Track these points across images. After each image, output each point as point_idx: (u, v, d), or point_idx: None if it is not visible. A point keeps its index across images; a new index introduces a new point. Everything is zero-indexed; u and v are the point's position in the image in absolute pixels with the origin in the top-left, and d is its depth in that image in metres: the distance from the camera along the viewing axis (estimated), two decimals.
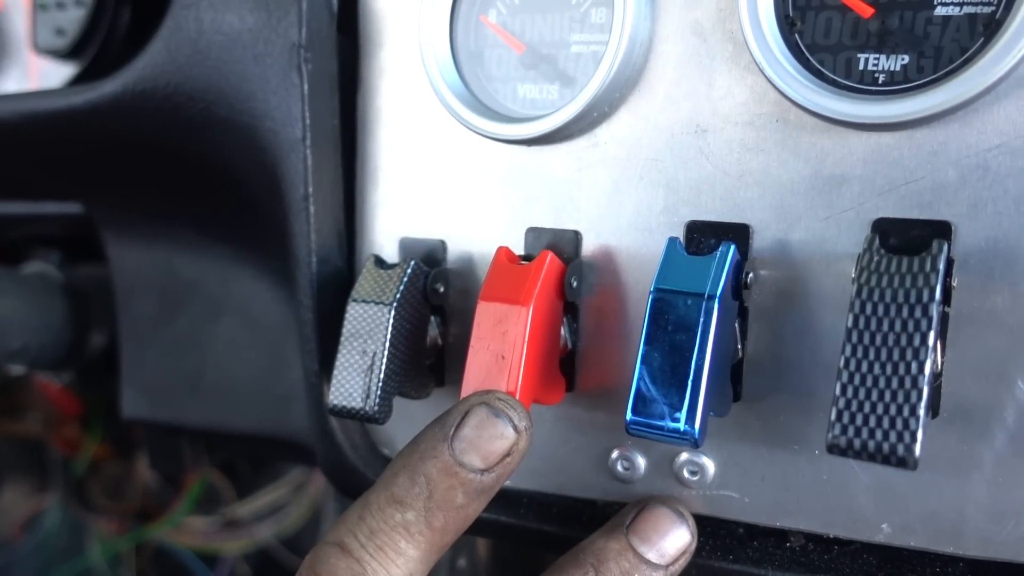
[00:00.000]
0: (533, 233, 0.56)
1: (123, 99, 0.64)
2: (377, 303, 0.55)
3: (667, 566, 0.51)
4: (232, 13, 0.59)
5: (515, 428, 0.48)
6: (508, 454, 0.47)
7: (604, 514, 0.57)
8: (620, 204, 0.53)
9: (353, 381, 0.55)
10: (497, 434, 0.47)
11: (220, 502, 1.37)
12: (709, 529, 0.54)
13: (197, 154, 0.67)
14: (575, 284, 0.54)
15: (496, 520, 0.59)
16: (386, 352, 0.54)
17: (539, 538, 0.58)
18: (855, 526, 0.50)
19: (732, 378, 0.50)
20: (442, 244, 0.59)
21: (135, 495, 1.42)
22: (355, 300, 0.56)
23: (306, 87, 0.58)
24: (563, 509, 0.58)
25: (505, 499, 0.60)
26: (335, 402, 0.55)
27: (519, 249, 0.56)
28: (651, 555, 0.50)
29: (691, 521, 0.52)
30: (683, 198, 0.51)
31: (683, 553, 0.51)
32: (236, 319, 0.80)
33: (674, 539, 0.51)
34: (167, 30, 0.62)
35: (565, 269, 0.53)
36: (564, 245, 0.54)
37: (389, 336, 0.54)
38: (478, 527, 0.59)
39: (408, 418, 0.62)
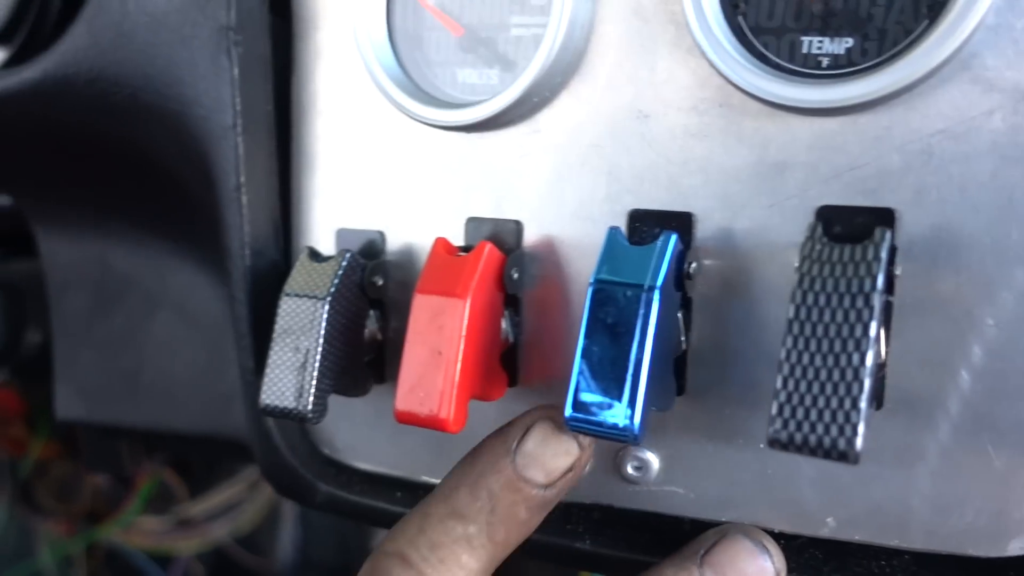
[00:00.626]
0: (473, 223, 0.54)
1: (44, 85, 0.61)
2: (310, 297, 0.53)
3: None
4: None
5: (579, 444, 0.47)
6: (570, 469, 0.47)
7: (550, 512, 0.55)
8: (562, 192, 0.52)
9: (285, 379, 0.52)
10: (561, 450, 0.47)
11: (173, 501, 1.33)
12: (654, 525, 0.52)
13: (125, 143, 0.64)
14: (516, 276, 0.52)
15: None
16: (320, 348, 0.52)
17: None
18: (800, 520, 0.49)
19: (676, 371, 0.49)
20: (381, 235, 0.57)
21: (85, 496, 1.38)
22: (287, 294, 0.54)
23: (236, 71, 0.55)
24: None
25: None
26: (267, 401, 0.53)
27: (460, 240, 0.54)
28: None
29: (777, 555, 0.47)
30: (626, 186, 0.50)
31: None
32: (174, 315, 0.77)
33: (754, 573, 0.46)
34: (89, 12, 0.58)
35: (505, 260, 0.51)
36: (504, 235, 0.53)
37: (323, 332, 0.52)
38: None
39: (347, 416, 0.60)
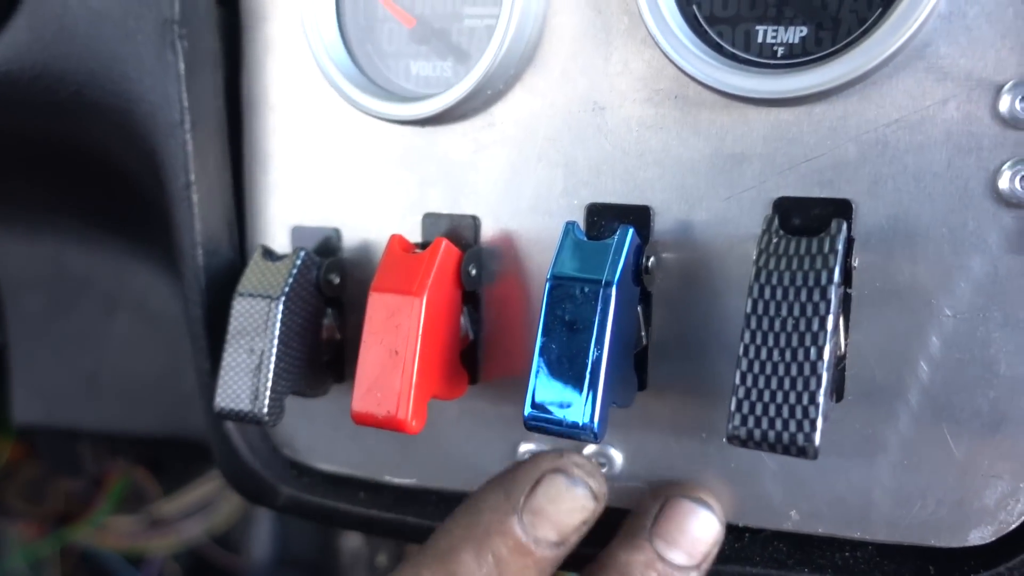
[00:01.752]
0: (430, 219, 0.53)
1: None
2: (264, 297, 0.52)
3: (699, 564, 0.45)
4: None
5: (594, 496, 0.44)
6: (584, 523, 0.44)
7: None
8: (519, 187, 0.51)
9: (240, 382, 0.51)
10: (577, 506, 0.43)
11: (145, 500, 1.31)
12: (617, 521, 0.52)
13: (73, 141, 0.62)
14: (474, 272, 0.51)
15: (403, 521, 0.56)
16: (275, 349, 0.51)
17: None
18: (764, 514, 0.49)
19: (636, 366, 0.48)
20: (337, 232, 0.56)
21: (56, 497, 1.35)
22: (241, 294, 0.52)
23: (182, 66, 0.54)
24: None
25: (411, 498, 0.57)
26: (222, 404, 0.51)
27: (418, 236, 0.53)
28: (681, 558, 0.45)
29: (716, 506, 0.47)
30: (583, 179, 0.49)
31: (714, 544, 0.46)
32: (133, 315, 0.75)
33: (702, 533, 0.46)
34: (29, 6, 0.56)
35: (462, 256, 0.50)
36: (462, 231, 0.52)
37: (278, 332, 0.51)
38: (384, 528, 0.57)
39: (307, 416, 0.59)
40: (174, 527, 1.32)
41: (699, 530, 0.46)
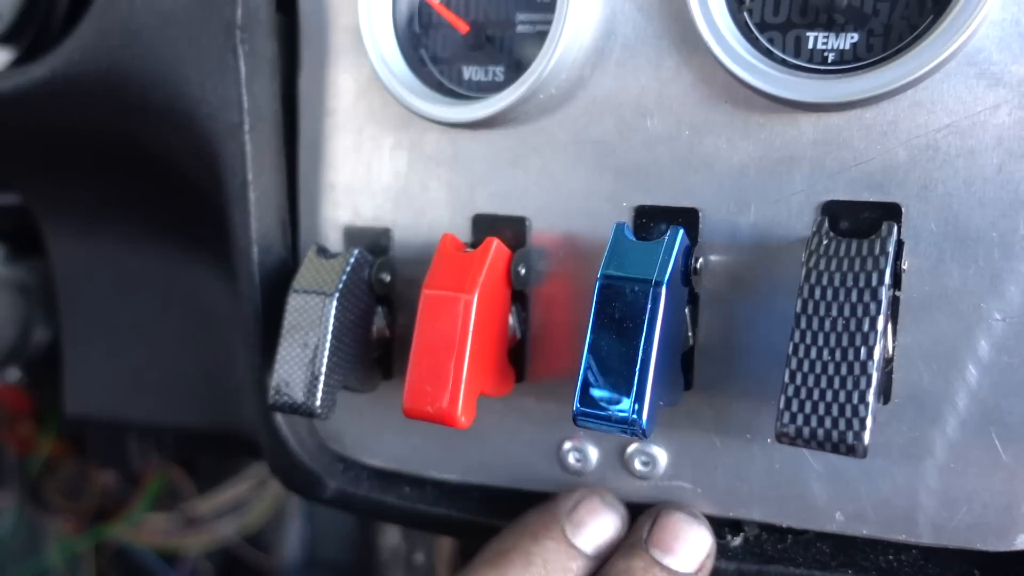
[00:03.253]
0: (480, 220, 0.54)
1: (53, 84, 0.61)
2: (318, 293, 0.53)
3: (696, 572, 0.49)
4: None
5: (621, 519, 0.51)
6: (612, 544, 0.50)
7: None
8: (568, 189, 0.52)
9: (294, 375, 0.53)
10: (609, 522, 0.51)
11: (180, 499, 1.34)
12: None
13: (134, 141, 0.64)
14: (523, 272, 0.52)
15: (447, 515, 0.57)
16: (328, 344, 0.52)
17: (490, 534, 0.56)
18: (808, 515, 0.49)
19: (683, 366, 0.49)
20: (388, 232, 0.57)
21: (93, 494, 1.38)
22: (296, 291, 0.54)
23: (243, 69, 0.56)
24: (515, 503, 0.56)
25: (456, 493, 0.58)
26: (276, 397, 0.53)
27: (467, 236, 0.55)
28: (678, 564, 0.48)
29: (706, 522, 0.51)
30: (632, 182, 0.50)
31: (708, 556, 0.50)
32: (184, 311, 0.77)
33: (696, 543, 0.49)
34: (97, 10, 0.59)
35: (512, 256, 0.52)
36: (511, 232, 0.53)
37: (331, 328, 0.52)
38: (427, 523, 0.58)
39: (356, 412, 0.60)
40: (207, 526, 1.34)
41: (693, 539, 0.49)
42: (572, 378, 0.46)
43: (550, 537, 0.48)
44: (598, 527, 0.50)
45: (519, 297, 0.53)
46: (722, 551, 0.51)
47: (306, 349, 0.53)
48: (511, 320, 0.53)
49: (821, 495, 0.48)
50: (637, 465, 0.52)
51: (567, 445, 0.54)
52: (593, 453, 0.54)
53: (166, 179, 0.67)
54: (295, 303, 0.54)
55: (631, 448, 0.52)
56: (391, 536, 0.96)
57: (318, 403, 0.52)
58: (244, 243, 0.58)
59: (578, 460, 0.54)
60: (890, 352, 0.45)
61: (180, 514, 1.36)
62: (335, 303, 0.53)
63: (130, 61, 0.59)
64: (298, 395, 0.52)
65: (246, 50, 0.56)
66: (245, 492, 1.36)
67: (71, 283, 0.80)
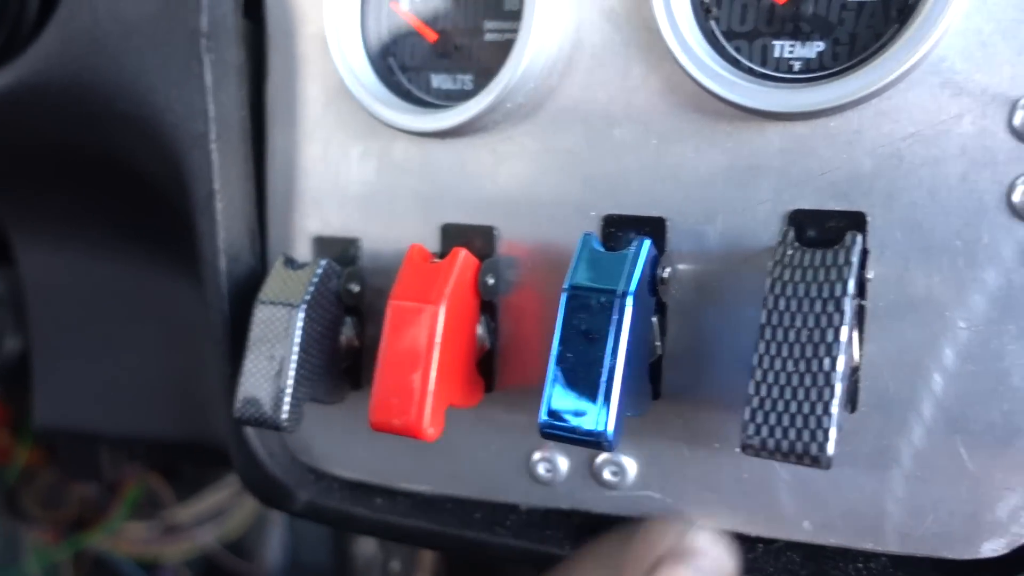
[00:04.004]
0: (448, 229, 0.54)
1: (17, 92, 0.60)
2: (285, 305, 0.53)
3: None
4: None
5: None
6: None
7: (527, 519, 0.55)
8: (537, 198, 0.51)
9: (260, 388, 0.52)
10: None
11: (160, 507, 1.32)
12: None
13: (100, 150, 0.63)
14: (491, 282, 0.52)
15: (417, 527, 0.57)
16: (295, 357, 0.52)
17: (462, 545, 0.56)
18: (777, 524, 0.49)
19: (651, 376, 0.49)
20: (357, 242, 0.57)
21: (72, 503, 1.37)
22: (262, 302, 0.53)
23: (209, 78, 0.55)
24: (485, 515, 0.56)
25: (427, 505, 0.58)
26: (241, 410, 0.52)
27: (436, 246, 0.54)
28: None
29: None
30: (600, 191, 0.50)
31: None
32: (155, 321, 0.77)
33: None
34: (60, 18, 0.58)
35: (480, 266, 0.51)
36: (479, 241, 0.52)
37: (298, 340, 0.52)
38: (400, 535, 0.57)
39: (325, 423, 0.59)
40: (188, 534, 1.33)
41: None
42: (541, 388, 0.46)
43: None
44: None
45: (488, 307, 0.53)
46: None
47: (272, 362, 0.52)
48: (480, 330, 0.53)
49: (789, 504, 0.48)
50: (607, 475, 0.52)
51: (536, 455, 0.54)
52: (563, 463, 0.53)
53: (134, 188, 0.66)
54: (261, 315, 0.53)
55: (600, 459, 0.52)
56: (367, 545, 0.95)
57: (284, 417, 0.51)
58: (211, 253, 0.57)
59: (548, 471, 0.53)
60: (856, 361, 0.45)
61: (159, 522, 1.34)
62: (302, 315, 0.52)
63: (95, 69, 0.58)
64: (264, 408, 0.52)
65: (212, 58, 0.55)
66: (225, 499, 1.35)
67: (41, 293, 0.79)
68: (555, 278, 0.51)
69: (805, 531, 0.48)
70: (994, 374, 0.43)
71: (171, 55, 0.55)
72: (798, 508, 0.48)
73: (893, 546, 0.47)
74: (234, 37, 0.56)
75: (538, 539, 0.54)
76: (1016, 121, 0.42)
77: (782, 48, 0.46)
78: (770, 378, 0.41)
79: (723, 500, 0.50)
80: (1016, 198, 0.42)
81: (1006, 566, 0.45)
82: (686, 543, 0.38)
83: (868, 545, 0.47)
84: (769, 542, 0.50)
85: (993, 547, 0.45)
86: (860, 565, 0.49)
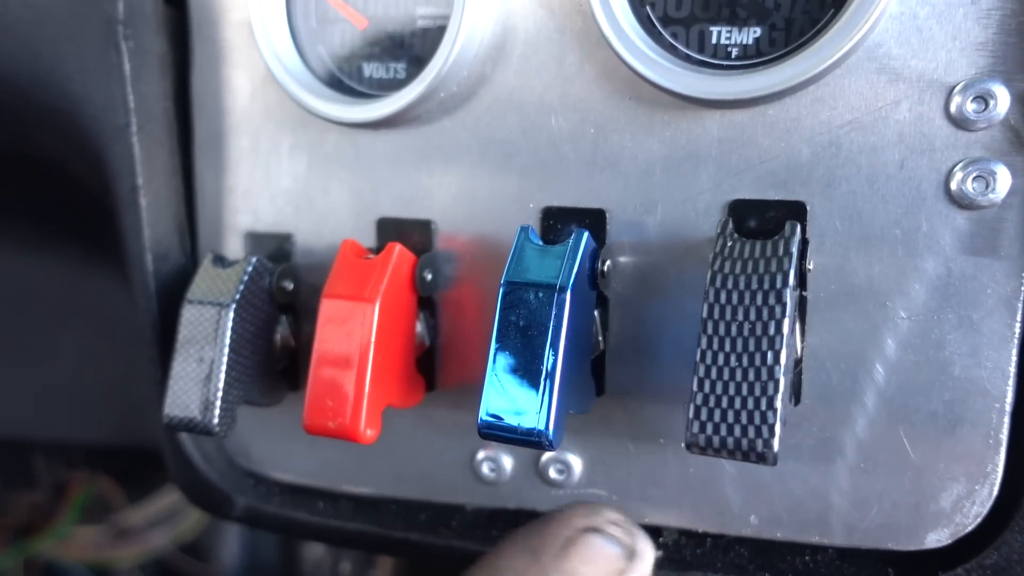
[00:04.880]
0: (384, 224, 0.52)
1: None
2: (214, 304, 0.50)
3: None
4: None
5: (629, 556, 0.39)
6: None
7: (473, 520, 0.54)
8: (474, 190, 0.50)
9: (189, 392, 0.50)
10: (612, 569, 0.38)
11: (110, 510, 1.29)
12: None
13: (17, 146, 0.60)
14: (429, 277, 0.50)
15: (361, 530, 0.55)
16: (225, 358, 0.50)
17: (406, 548, 0.54)
18: (724, 520, 0.48)
19: (594, 371, 0.48)
20: (290, 238, 0.54)
21: (19, 509, 1.32)
22: (190, 302, 0.51)
23: (127, 67, 0.52)
24: (430, 516, 0.54)
25: (370, 507, 0.56)
26: (171, 414, 0.50)
27: (372, 241, 0.52)
28: None
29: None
30: (538, 182, 0.48)
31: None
32: (87, 323, 0.74)
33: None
34: None
35: (417, 261, 0.50)
36: (416, 236, 0.51)
37: (228, 341, 0.50)
38: (343, 538, 0.56)
39: (263, 425, 0.57)
40: (140, 536, 1.30)
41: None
42: (483, 386, 0.44)
43: None
44: None
45: (427, 303, 0.51)
46: None
47: (202, 364, 0.50)
48: (419, 327, 0.51)
49: (735, 499, 0.48)
50: (552, 474, 0.51)
51: (481, 455, 0.52)
52: (507, 462, 0.52)
53: (56, 186, 0.63)
54: (189, 315, 0.51)
55: (545, 457, 0.51)
56: (315, 548, 0.93)
57: (215, 421, 0.49)
58: (137, 251, 0.55)
59: (492, 470, 0.52)
60: (799, 353, 0.45)
61: (111, 526, 1.31)
62: (232, 314, 0.50)
63: (6, 59, 0.55)
64: (194, 412, 0.50)
65: (130, 47, 0.52)
66: (179, 500, 1.31)
67: None
68: (495, 272, 0.50)
69: (752, 526, 0.48)
70: (935, 364, 0.43)
71: (87, 43, 0.52)
72: (744, 503, 0.47)
73: (839, 539, 0.46)
74: (154, 24, 0.54)
75: (484, 539, 0.53)
76: (952, 108, 0.41)
77: (719, 34, 0.45)
78: (713, 374, 0.40)
79: (670, 496, 0.49)
80: (954, 185, 0.41)
81: (951, 556, 0.45)
82: (598, 518, 0.40)
83: (814, 538, 0.47)
84: (717, 537, 0.50)
85: (937, 537, 0.44)
86: (807, 558, 0.48)
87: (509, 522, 0.53)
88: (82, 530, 1.29)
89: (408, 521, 0.55)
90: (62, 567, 1.34)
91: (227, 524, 1.33)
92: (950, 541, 0.44)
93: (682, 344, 0.47)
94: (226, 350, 0.50)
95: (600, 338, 0.48)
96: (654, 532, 0.51)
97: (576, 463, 0.50)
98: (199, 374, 0.50)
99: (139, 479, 1.27)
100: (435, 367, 0.52)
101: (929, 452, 0.44)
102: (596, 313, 0.47)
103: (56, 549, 1.31)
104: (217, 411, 0.49)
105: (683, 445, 0.41)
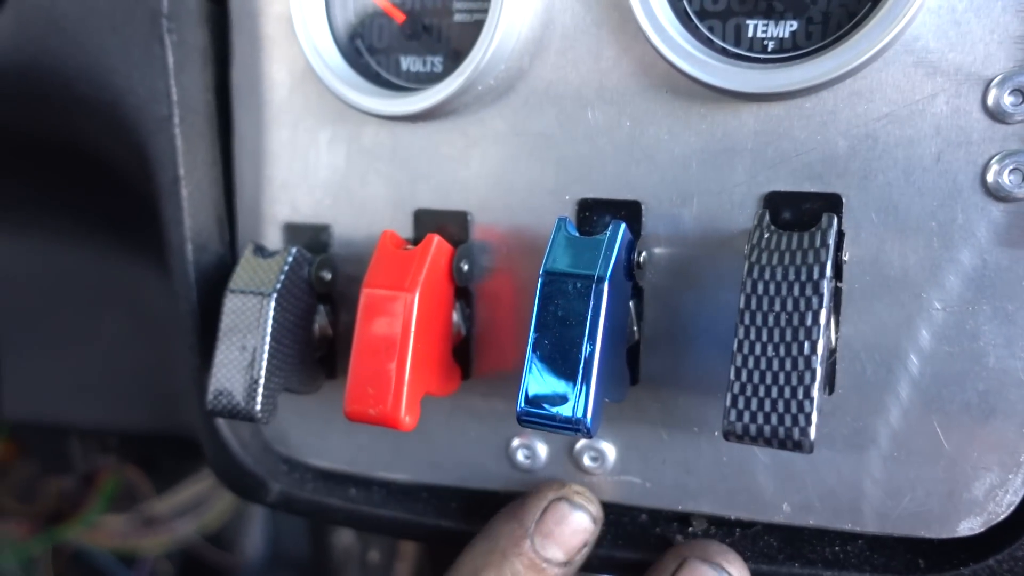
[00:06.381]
0: (421, 215, 0.53)
1: None
2: (255, 294, 0.51)
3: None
4: None
5: (593, 519, 0.49)
6: (585, 544, 0.49)
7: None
8: (510, 182, 0.51)
9: (232, 379, 0.51)
10: (580, 528, 0.49)
11: (137, 499, 1.31)
12: (612, 517, 0.52)
13: (61, 137, 0.62)
14: (466, 268, 0.51)
15: (393, 517, 0.56)
16: (267, 346, 0.51)
17: (439, 534, 0.55)
18: (756, 507, 0.49)
19: (629, 361, 0.49)
20: (328, 228, 0.55)
21: (48, 496, 1.35)
22: (232, 291, 0.52)
23: (171, 60, 0.53)
24: (464, 503, 0.55)
25: (403, 494, 0.57)
26: (214, 401, 0.51)
27: (408, 232, 0.53)
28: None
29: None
30: (574, 175, 0.49)
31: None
32: (124, 311, 0.75)
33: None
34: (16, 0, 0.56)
35: (454, 252, 0.50)
36: (453, 227, 0.52)
37: (270, 329, 0.51)
38: (374, 525, 0.57)
39: (300, 413, 0.58)
40: (166, 525, 1.32)
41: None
42: (518, 374, 0.45)
43: (519, 553, 0.48)
44: (568, 534, 0.49)
45: (463, 294, 0.52)
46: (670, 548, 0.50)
47: (244, 352, 0.51)
48: (455, 317, 0.52)
49: (768, 487, 0.48)
50: (586, 461, 0.52)
51: (516, 442, 0.53)
52: (542, 450, 0.53)
53: (98, 176, 0.65)
54: (232, 304, 0.52)
55: (580, 444, 0.52)
56: (345, 536, 0.95)
57: (258, 408, 0.50)
58: (178, 241, 0.56)
59: (527, 457, 0.53)
60: (834, 343, 0.45)
61: (137, 514, 1.33)
62: (273, 303, 0.51)
63: (53, 52, 0.56)
64: (237, 400, 0.51)
65: (174, 40, 0.53)
66: (204, 490, 1.33)
67: (6, 283, 0.77)
68: (530, 263, 0.51)
69: (784, 513, 0.48)
70: (970, 354, 0.43)
71: (132, 36, 0.54)
72: (777, 490, 0.48)
73: (871, 526, 0.47)
74: (196, 18, 0.55)
75: None
76: (990, 101, 0.41)
77: (755, 28, 0.45)
78: (750, 363, 0.41)
79: (702, 484, 0.50)
80: (990, 178, 0.42)
81: (982, 545, 0.45)
82: (566, 490, 0.50)
83: (847, 526, 0.47)
84: (747, 525, 0.50)
85: (970, 526, 0.45)
86: (837, 548, 0.49)
87: None
88: (110, 518, 1.31)
89: (439, 509, 0.56)
90: (90, 554, 1.36)
91: (250, 516, 1.35)
92: (983, 530, 0.45)
93: (716, 335, 0.47)
94: (268, 338, 0.51)
95: (635, 328, 0.48)
96: (684, 520, 0.52)
97: (610, 451, 0.51)
98: (242, 362, 0.51)
99: (165, 469, 1.29)
100: (471, 356, 0.53)
101: (963, 441, 0.44)
102: (631, 303, 0.48)
103: (84, 536, 1.33)
104: (260, 398, 0.50)
105: (719, 433, 0.42)
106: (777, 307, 0.41)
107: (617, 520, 0.52)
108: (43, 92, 0.58)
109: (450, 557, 0.50)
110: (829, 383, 0.46)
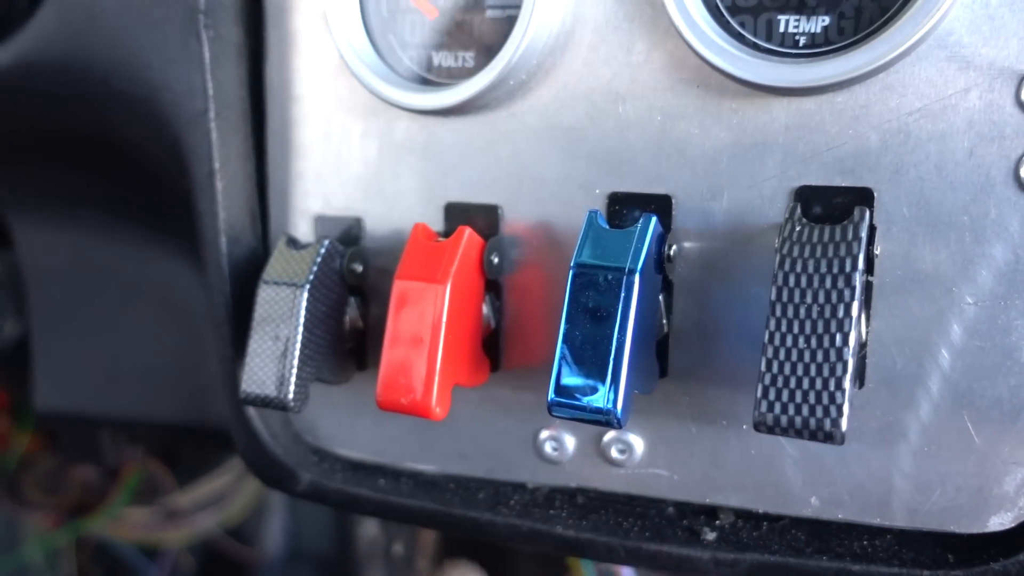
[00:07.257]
0: (452, 208, 0.53)
1: (13, 72, 0.59)
2: (289, 285, 0.52)
3: None
4: None
5: None
6: None
7: (531, 499, 0.55)
8: (540, 176, 0.51)
9: (266, 368, 0.52)
10: None
11: (160, 492, 1.32)
12: (639, 510, 0.52)
13: (98, 130, 0.63)
14: (496, 261, 0.52)
15: (421, 507, 0.57)
16: (300, 337, 0.51)
17: (466, 525, 0.56)
18: (784, 501, 0.49)
19: (658, 354, 0.49)
20: (359, 221, 0.56)
21: (72, 489, 1.36)
22: (266, 282, 0.53)
23: (207, 55, 0.54)
24: (491, 494, 0.56)
25: (431, 485, 0.58)
26: (247, 390, 0.52)
27: (439, 225, 0.54)
28: None
29: None
30: (604, 169, 0.49)
31: None
32: (154, 304, 0.76)
33: None
34: None
35: (484, 245, 0.51)
36: (483, 220, 0.52)
37: (303, 320, 0.52)
38: (402, 515, 0.57)
39: (330, 404, 0.59)
40: (188, 519, 1.33)
41: None
42: (548, 367, 0.46)
43: None
44: None
45: (492, 286, 0.53)
46: (698, 540, 0.51)
47: (277, 342, 0.52)
48: (485, 309, 0.53)
49: (796, 480, 0.48)
50: (614, 453, 0.52)
51: (544, 434, 0.54)
52: (570, 442, 0.53)
53: (133, 169, 0.66)
54: (265, 295, 0.53)
55: (608, 436, 0.52)
56: (369, 528, 0.96)
57: (291, 396, 0.51)
58: (212, 233, 0.57)
59: (555, 449, 0.53)
60: (864, 337, 0.45)
61: (160, 508, 1.34)
62: (306, 294, 0.52)
63: (91, 47, 0.57)
64: (270, 389, 0.52)
65: (210, 35, 0.54)
66: (226, 484, 1.35)
67: (39, 275, 0.79)
68: (559, 256, 0.51)
69: (812, 507, 0.48)
70: (1001, 349, 0.43)
71: (169, 32, 0.55)
72: (805, 484, 0.48)
73: (900, 521, 0.47)
74: (232, 13, 0.56)
75: (543, 519, 0.54)
76: (1023, 96, 0.41)
77: (787, 23, 0.45)
78: (781, 355, 0.41)
79: (730, 477, 0.50)
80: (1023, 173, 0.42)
81: (1013, 540, 0.45)
82: None
83: (876, 520, 0.47)
84: (775, 519, 0.51)
85: (1000, 521, 0.45)
86: (865, 542, 0.49)
87: (567, 502, 0.55)
88: (133, 511, 1.33)
89: (467, 499, 0.57)
90: (113, 546, 1.38)
91: (272, 510, 1.36)
92: (1013, 525, 0.45)
93: (745, 328, 0.48)
94: (300, 328, 0.52)
95: (664, 321, 0.49)
96: (711, 513, 0.52)
97: (638, 443, 0.52)
98: (275, 351, 0.52)
99: (188, 463, 1.30)
100: (500, 348, 0.54)
101: (993, 436, 0.44)
102: (661, 297, 0.48)
103: (108, 528, 1.35)
104: (292, 387, 0.51)
105: (748, 427, 0.42)
106: (809, 299, 0.41)
107: (644, 513, 0.52)
108: (81, 87, 0.59)
109: (467, 551, 0.50)
110: (859, 377, 0.46)
